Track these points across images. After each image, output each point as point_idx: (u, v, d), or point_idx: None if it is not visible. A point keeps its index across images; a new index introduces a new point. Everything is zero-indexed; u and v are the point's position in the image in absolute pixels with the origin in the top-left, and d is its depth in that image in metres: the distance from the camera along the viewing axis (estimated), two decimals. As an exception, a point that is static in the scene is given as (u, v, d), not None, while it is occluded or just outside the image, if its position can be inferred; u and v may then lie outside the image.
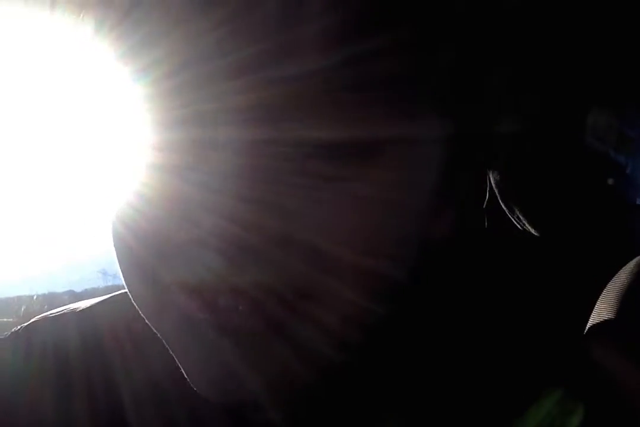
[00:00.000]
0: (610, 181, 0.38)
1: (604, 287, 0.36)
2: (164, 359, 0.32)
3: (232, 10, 0.24)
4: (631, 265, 0.36)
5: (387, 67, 0.25)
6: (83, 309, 0.41)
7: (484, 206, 0.39)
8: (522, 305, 0.36)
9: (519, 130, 0.30)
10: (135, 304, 0.32)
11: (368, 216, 0.27)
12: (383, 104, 0.26)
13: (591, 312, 0.35)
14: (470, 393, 0.32)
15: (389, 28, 0.25)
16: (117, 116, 0.29)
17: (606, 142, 0.38)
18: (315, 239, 0.26)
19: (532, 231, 0.38)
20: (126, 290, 0.39)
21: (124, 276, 0.31)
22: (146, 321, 0.31)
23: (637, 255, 0.36)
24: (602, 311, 0.34)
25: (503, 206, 0.40)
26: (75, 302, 0.43)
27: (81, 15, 0.29)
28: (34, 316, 0.43)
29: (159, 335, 0.31)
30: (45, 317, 0.42)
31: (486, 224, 0.39)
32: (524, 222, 0.38)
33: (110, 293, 0.43)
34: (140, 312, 0.32)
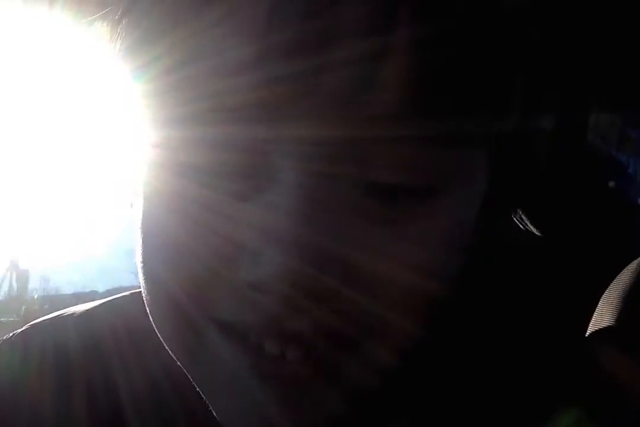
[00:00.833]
0: (611, 182, 0.38)
1: (606, 288, 0.35)
2: (163, 361, 0.32)
3: (231, 6, 0.23)
4: (633, 265, 0.35)
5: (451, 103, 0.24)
6: (82, 312, 0.41)
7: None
8: (531, 313, 0.36)
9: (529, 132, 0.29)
10: (166, 345, 0.30)
11: (422, 258, 0.26)
12: (443, 144, 0.25)
13: (593, 313, 0.35)
14: (487, 410, 0.32)
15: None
16: (120, 114, 0.29)
17: (608, 142, 0.37)
18: (371, 282, 0.25)
19: (535, 230, 0.38)
20: (126, 293, 0.39)
21: (154, 318, 0.30)
22: (178, 363, 0.30)
23: (639, 255, 0.36)
24: (604, 311, 0.34)
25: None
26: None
27: (81, 12, 0.29)
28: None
29: (191, 379, 0.30)
30: (45, 320, 0.42)
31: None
32: (526, 222, 0.38)
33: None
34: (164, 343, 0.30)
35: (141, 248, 0.29)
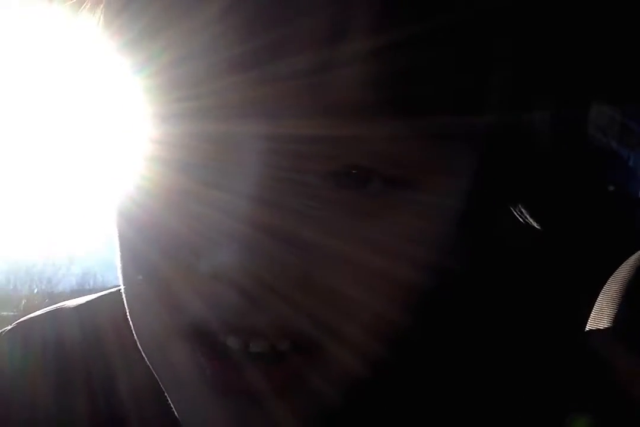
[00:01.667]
0: (611, 185, 0.38)
1: (606, 282, 0.35)
2: None
3: (228, 4, 0.23)
4: (632, 259, 0.35)
5: (432, 91, 0.24)
6: (81, 304, 0.41)
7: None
8: (528, 309, 0.36)
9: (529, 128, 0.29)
10: (136, 336, 0.30)
11: (396, 250, 0.25)
12: (414, 137, 0.24)
13: (592, 307, 0.35)
14: (489, 416, 0.31)
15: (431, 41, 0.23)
16: (117, 109, 0.29)
17: (609, 134, 0.37)
18: (334, 279, 0.25)
19: (534, 224, 0.38)
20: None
21: (129, 306, 0.30)
22: (144, 356, 0.30)
23: (639, 249, 0.36)
24: (603, 306, 0.34)
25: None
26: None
27: (80, 8, 0.29)
28: None
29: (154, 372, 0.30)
30: (44, 312, 0.42)
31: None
32: (526, 215, 0.38)
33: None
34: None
35: (117, 246, 0.29)
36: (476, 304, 0.34)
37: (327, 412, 0.28)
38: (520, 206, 0.37)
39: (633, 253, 0.36)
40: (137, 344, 0.36)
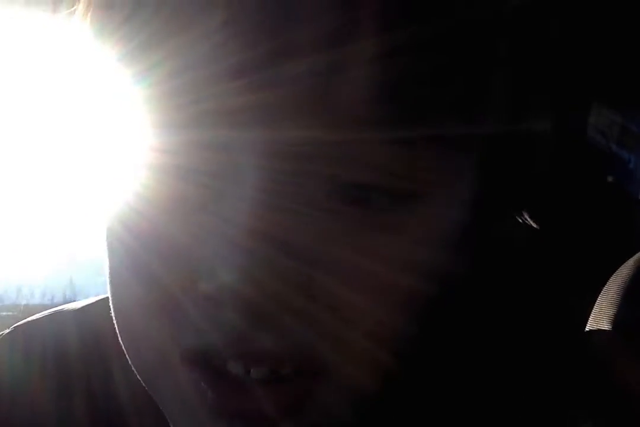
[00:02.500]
0: (610, 177, 0.37)
1: (605, 283, 0.35)
2: None
3: (233, 12, 0.23)
4: (632, 260, 0.35)
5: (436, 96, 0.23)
6: (81, 308, 0.41)
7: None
8: (529, 310, 0.36)
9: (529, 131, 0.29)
10: (129, 357, 0.29)
11: (400, 263, 0.25)
12: (414, 145, 0.24)
13: (592, 308, 0.35)
14: (494, 419, 0.31)
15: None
16: (117, 117, 0.29)
17: (609, 137, 0.37)
18: (341, 293, 0.24)
19: (534, 225, 0.38)
20: None
21: (121, 329, 0.29)
22: (139, 379, 0.29)
23: (639, 250, 0.36)
24: (603, 306, 0.34)
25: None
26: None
27: (83, 16, 0.29)
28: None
29: (153, 396, 0.29)
30: (43, 316, 0.41)
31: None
32: (525, 216, 0.38)
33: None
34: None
35: (107, 266, 0.28)
36: (480, 309, 0.34)
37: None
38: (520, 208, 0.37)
39: (633, 254, 0.36)
40: None
